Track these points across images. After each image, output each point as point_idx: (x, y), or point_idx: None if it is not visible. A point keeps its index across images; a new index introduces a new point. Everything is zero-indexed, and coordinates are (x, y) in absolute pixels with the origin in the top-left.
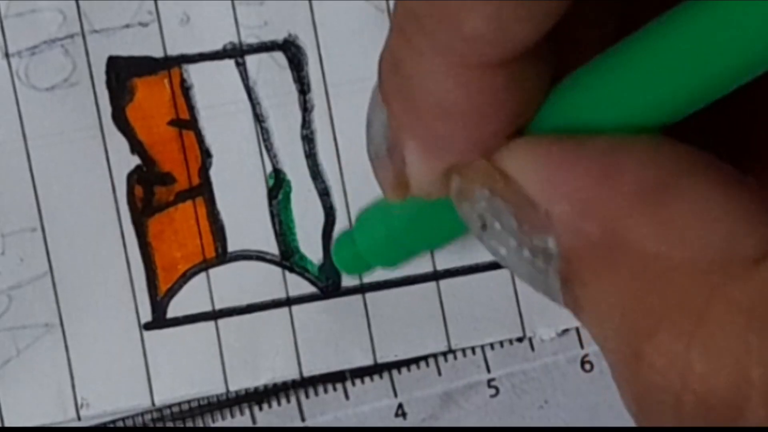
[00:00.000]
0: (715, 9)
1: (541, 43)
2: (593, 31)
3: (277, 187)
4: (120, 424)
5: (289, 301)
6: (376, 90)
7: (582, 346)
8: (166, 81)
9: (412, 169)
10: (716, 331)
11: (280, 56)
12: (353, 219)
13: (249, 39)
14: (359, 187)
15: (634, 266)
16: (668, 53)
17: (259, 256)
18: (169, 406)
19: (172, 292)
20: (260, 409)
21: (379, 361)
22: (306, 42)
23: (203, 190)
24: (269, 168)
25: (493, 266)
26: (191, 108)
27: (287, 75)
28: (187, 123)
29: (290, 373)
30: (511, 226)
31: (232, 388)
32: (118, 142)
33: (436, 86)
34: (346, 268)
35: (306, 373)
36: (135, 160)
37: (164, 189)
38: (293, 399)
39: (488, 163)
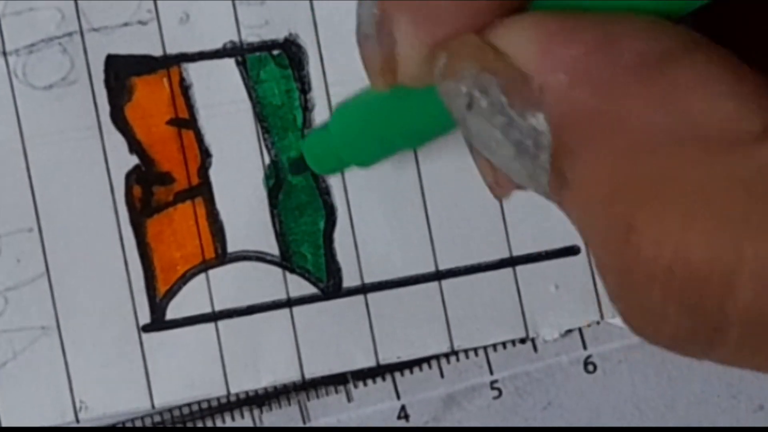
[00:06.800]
0: None
1: None
2: None
3: (278, 187)
4: (121, 426)
5: (289, 302)
6: None
7: (585, 347)
8: (165, 80)
9: (401, 48)
10: (714, 204)
11: (280, 55)
12: (355, 220)
13: (249, 38)
14: (360, 186)
15: (630, 136)
16: None
17: (259, 257)
18: (170, 410)
19: (172, 293)
20: (262, 411)
21: (381, 362)
22: (307, 41)
23: (202, 190)
24: (269, 168)
25: (496, 266)
26: (190, 107)
27: (288, 74)
28: (186, 122)
29: (291, 375)
30: (501, 103)
31: (233, 390)
32: (117, 142)
33: None
34: (318, 165)
35: (307, 375)
36: (133, 160)
37: (163, 189)
38: (295, 401)
39: (478, 37)
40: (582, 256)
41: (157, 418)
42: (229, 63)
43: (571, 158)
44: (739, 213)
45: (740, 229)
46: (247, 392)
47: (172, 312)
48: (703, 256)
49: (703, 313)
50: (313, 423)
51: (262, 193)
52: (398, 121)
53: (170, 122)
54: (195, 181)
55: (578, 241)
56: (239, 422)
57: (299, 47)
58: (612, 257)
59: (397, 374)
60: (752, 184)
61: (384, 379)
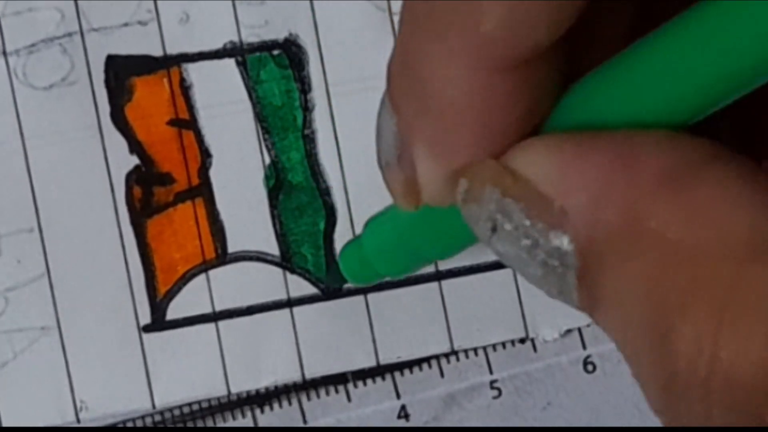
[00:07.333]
0: (730, 10)
1: (555, 44)
2: (608, 31)
3: (278, 187)
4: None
5: (290, 303)
6: (385, 97)
7: (585, 347)
8: (165, 80)
9: (422, 175)
10: (744, 314)
11: (280, 55)
12: (355, 220)
13: (249, 38)
14: (360, 187)
15: (657, 252)
16: (684, 54)
17: (260, 257)
18: (170, 410)
19: (172, 293)
20: (262, 411)
21: (382, 362)
22: (307, 41)
23: (203, 190)
24: (269, 168)
25: (496, 266)
26: (191, 107)
27: (288, 74)
28: (186, 122)
29: (292, 375)
30: (524, 226)
31: (233, 390)
32: (117, 142)
33: (447, 88)
34: (354, 277)
35: (308, 375)
36: (134, 160)
37: (163, 189)
38: (295, 401)
39: (497, 162)
40: None
41: (158, 418)
42: (229, 63)
43: (599, 276)
44: None
45: None
46: (247, 392)
47: (173, 312)
48: (737, 368)
49: (747, 420)
50: (313, 423)
51: (262, 194)
52: (428, 236)
53: (170, 122)
54: (195, 181)
55: None
56: (239, 422)
57: (299, 47)
58: (649, 372)
59: (397, 374)
60: None
61: (384, 378)
